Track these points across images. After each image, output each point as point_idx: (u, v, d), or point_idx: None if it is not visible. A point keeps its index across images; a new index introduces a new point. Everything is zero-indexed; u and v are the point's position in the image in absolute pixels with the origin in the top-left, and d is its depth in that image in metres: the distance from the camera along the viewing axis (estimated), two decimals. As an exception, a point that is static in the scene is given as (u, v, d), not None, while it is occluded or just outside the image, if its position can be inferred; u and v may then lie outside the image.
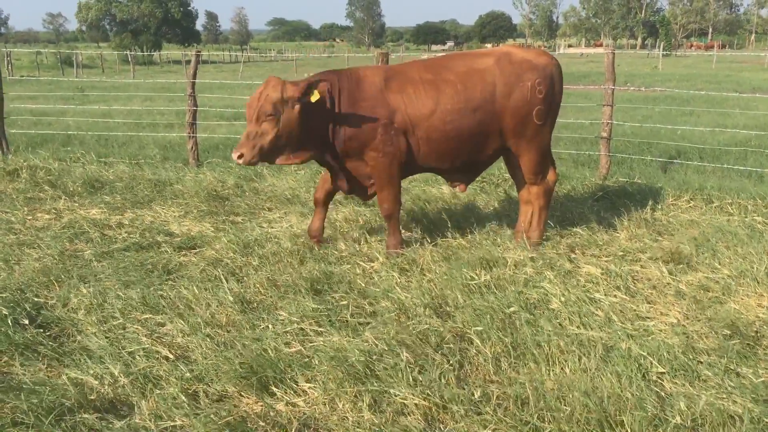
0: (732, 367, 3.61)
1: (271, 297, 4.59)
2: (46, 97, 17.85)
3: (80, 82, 25.34)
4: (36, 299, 4.49)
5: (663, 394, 3.38)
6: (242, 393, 3.43)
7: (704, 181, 7.66)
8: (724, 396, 3.32)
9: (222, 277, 4.87)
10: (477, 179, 7.78)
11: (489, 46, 54.78)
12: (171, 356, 3.77)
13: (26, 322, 4.11)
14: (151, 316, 4.25)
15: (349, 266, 5.12)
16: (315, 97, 4.87)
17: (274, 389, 3.45)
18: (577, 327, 4.03)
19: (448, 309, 4.38)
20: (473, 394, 3.36)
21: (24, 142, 10.19)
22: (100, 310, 4.33)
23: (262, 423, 3.21)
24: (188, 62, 10.61)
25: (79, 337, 4.02)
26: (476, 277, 4.73)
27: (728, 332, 3.97)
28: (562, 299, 4.34)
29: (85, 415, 3.19)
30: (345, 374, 3.49)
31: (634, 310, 4.31)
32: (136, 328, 4.07)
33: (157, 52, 61.19)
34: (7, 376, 3.58)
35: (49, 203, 7.03)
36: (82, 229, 6.06)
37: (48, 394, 3.31)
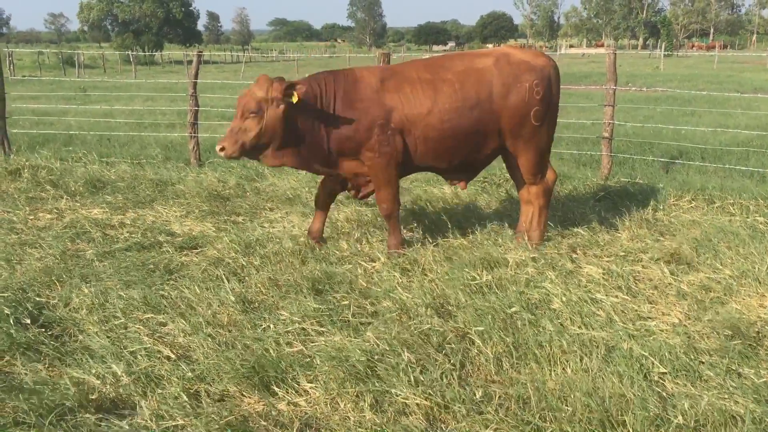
0: (734, 368, 3.61)
1: (272, 297, 4.60)
2: (48, 97, 17.86)
3: (82, 82, 25.35)
4: (38, 299, 4.50)
5: (665, 394, 3.38)
6: (244, 393, 3.43)
7: (706, 181, 7.65)
8: (726, 396, 3.32)
9: (223, 276, 4.87)
10: (479, 179, 7.81)
11: (490, 46, 54.76)
12: (172, 356, 3.77)
13: (28, 321, 4.12)
14: (152, 315, 4.25)
15: (351, 266, 5.12)
16: (294, 98, 4.91)
17: (276, 389, 3.45)
18: (579, 327, 4.03)
19: (449, 309, 4.38)
20: (475, 394, 3.36)
21: (26, 142, 10.21)
22: (102, 309, 4.33)
23: (263, 423, 3.21)
24: (190, 62, 10.61)
25: (80, 337, 4.03)
26: (478, 277, 4.74)
27: (730, 332, 3.96)
28: (564, 299, 4.34)
29: (87, 415, 3.19)
30: (346, 374, 3.49)
31: (636, 311, 4.31)
32: (138, 328, 4.07)
33: (159, 52, 61.27)
34: (9, 375, 3.59)
35: (50, 203, 7.04)
36: (84, 229, 6.07)
37: (49, 394, 3.31)
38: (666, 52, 49.79)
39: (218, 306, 4.40)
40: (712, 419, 3.12)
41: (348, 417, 3.24)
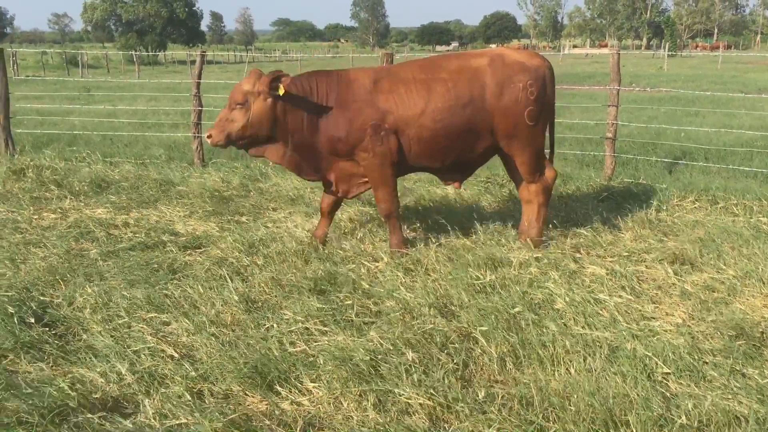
0: (737, 368, 3.60)
1: (275, 296, 4.60)
2: (51, 97, 17.91)
3: (85, 82, 25.40)
4: (42, 298, 4.51)
5: (668, 394, 3.38)
6: (247, 392, 3.44)
7: (709, 181, 7.64)
8: (730, 396, 3.31)
9: (227, 276, 4.88)
10: (482, 180, 7.81)
11: (493, 46, 54.71)
12: (176, 355, 3.78)
13: (32, 320, 4.13)
14: (156, 315, 4.26)
15: (354, 266, 5.13)
16: (281, 90, 5.00)
17: (279, 388, 3.45)
18: (582, 327, 4.03)
19: (452, 309, 4.38)
20: (478, 394, 3.36)
21: (30, 142, 10.23)
22: (106, 308, 4.35)
23: (267, 422, 3.21)
24: (193, 62, 10.61)
25: (84, 336, 4.04)
26: (481, 277, 4.74)
27: (734, 333, 3.96)
28: (567, 299, 4.34)
29: (90, 414, 3.20)
30: (350, 374, 3.50)
31: (639, 311, 4.30)
32: (142, 327, 4.08)
33: (162, 52, 61.45)
34: (13, 374, 3.60)
35: (54, 203, 7.06)
36: (88, 229, 6.09)
37: (53, 393, 3.32)
38: (670, 53, 49.67)
39: (221, 305, 4.40)
40: (715, 419, 3.11)
41: (351, 416, 3.24)
